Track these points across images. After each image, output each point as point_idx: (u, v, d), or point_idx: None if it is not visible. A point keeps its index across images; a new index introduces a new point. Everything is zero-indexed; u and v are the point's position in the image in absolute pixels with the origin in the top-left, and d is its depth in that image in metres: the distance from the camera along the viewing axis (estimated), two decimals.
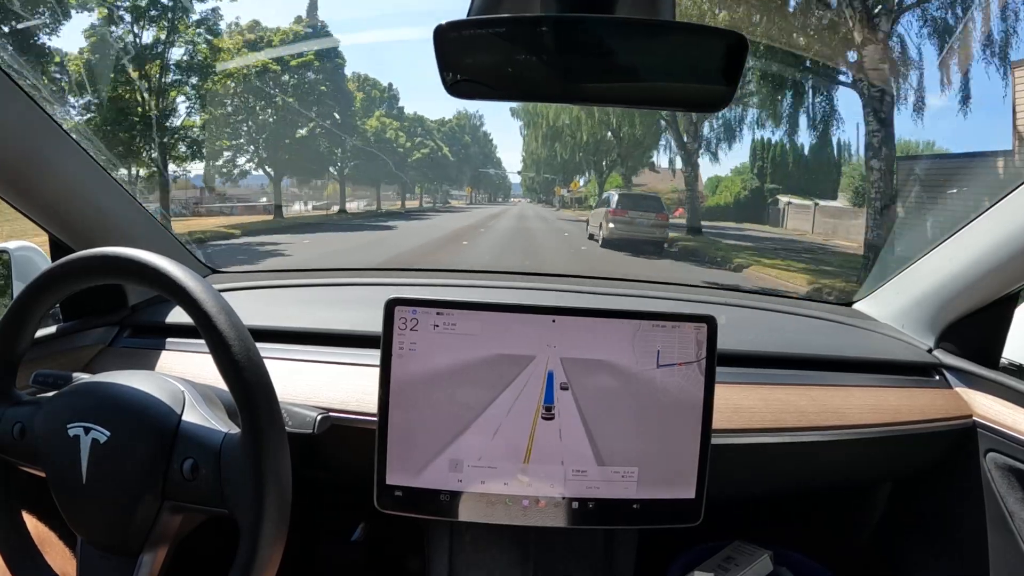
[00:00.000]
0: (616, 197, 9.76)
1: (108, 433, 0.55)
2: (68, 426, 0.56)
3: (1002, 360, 0.90)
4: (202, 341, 0.55)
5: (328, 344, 0.86)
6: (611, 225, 9.28)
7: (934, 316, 0.94)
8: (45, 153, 0.75)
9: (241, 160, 13.58)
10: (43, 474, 0.58)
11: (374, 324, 0.69)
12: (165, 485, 0.55)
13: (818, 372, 0.89)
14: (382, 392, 0.69)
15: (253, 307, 0.94)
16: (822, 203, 12.21)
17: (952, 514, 0.89)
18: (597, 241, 9.65)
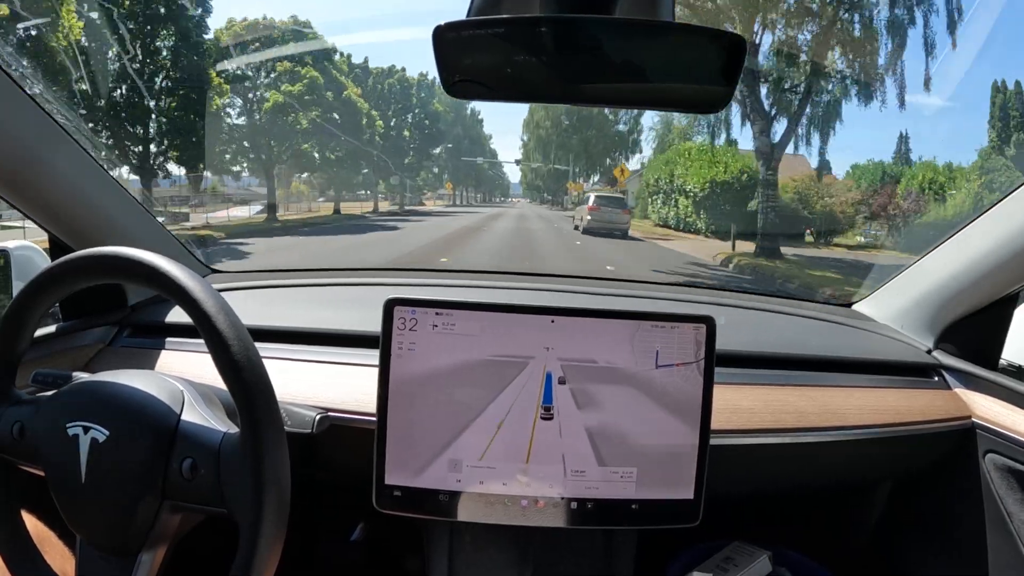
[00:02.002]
0: (593, 197, 13.42)
1: (107, 432, 0.55)
2: (67, 425, 0.56)
3: (1001, 361, 0.91)
4: (201, 341, 0.55)
5: (327, 344, 0.86)
6: (588, 218, 12.74)
7: (933, 317, 0.93)
8: (45, 153, 0.75)
9: None
10: (42, 473, 0.58)
11: (373, 324, 0.69)
12: (164, 484, 0.55)
13: (817, 373, 0.89)
14: (381, 392, 0.69)
15: (252, 307, 0.94)
16: None
17: (951, 515, 0.89)
18: (579, 230, 13.18)
